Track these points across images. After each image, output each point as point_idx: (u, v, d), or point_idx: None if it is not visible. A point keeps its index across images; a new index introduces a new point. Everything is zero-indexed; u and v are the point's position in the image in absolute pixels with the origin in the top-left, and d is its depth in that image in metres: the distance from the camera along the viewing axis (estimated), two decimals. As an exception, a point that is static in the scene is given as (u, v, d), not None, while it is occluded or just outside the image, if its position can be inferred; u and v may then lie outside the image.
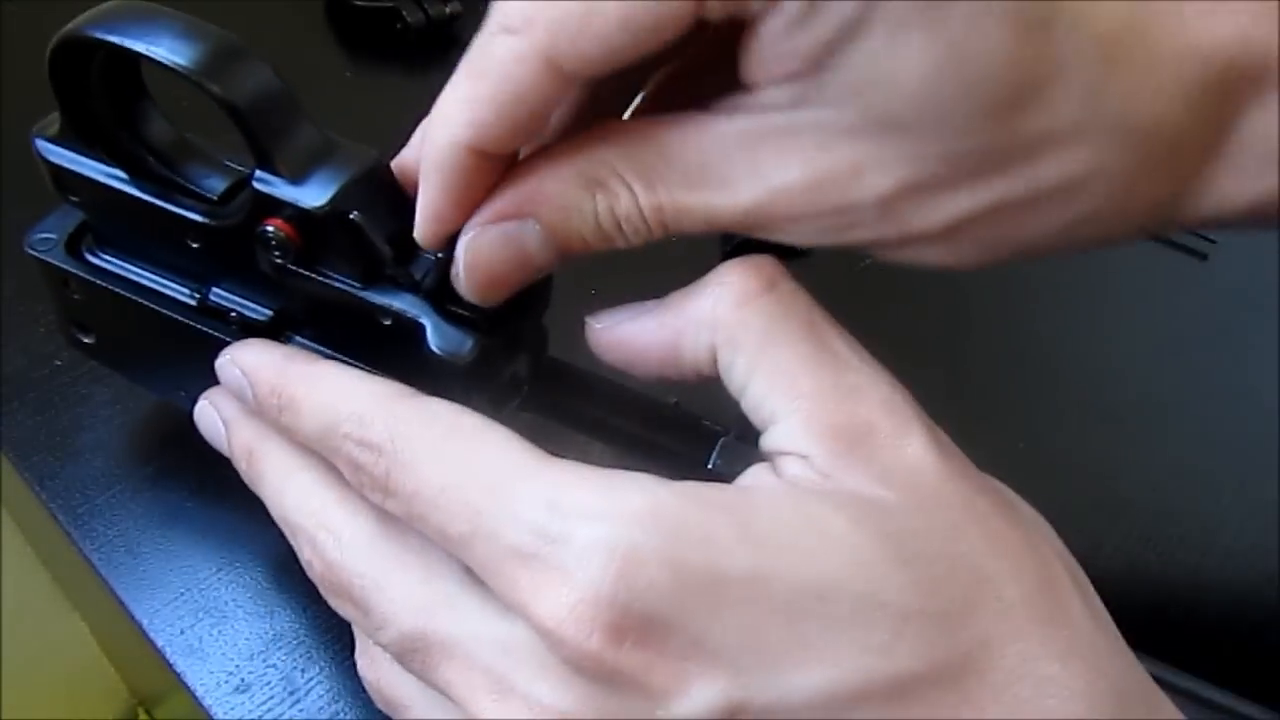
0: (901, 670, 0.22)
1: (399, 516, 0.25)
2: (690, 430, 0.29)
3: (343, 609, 0.27)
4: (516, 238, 0.26)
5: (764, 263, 0.26)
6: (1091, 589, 0.25)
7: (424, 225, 0.27)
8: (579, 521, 0.22)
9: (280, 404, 0.27)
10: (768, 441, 0.25)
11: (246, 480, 0.30)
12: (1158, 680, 0.26)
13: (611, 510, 0.22)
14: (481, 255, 0.26)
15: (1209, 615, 0.37)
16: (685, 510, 0.22)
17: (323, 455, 0.27)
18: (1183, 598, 0.38)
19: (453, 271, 0.27)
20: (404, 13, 0.54)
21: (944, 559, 0.23)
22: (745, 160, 0.26)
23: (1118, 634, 0.24)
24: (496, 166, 0.26)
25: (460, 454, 0.24)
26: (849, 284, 0.33)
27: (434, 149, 0.26)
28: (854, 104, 0.24)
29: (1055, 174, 0.26)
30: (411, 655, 0.25)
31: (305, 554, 0.27)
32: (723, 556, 0.22)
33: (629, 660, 0.21)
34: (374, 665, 0.28)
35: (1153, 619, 0.37)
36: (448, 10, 0.55)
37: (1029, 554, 0.24)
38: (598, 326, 0.28)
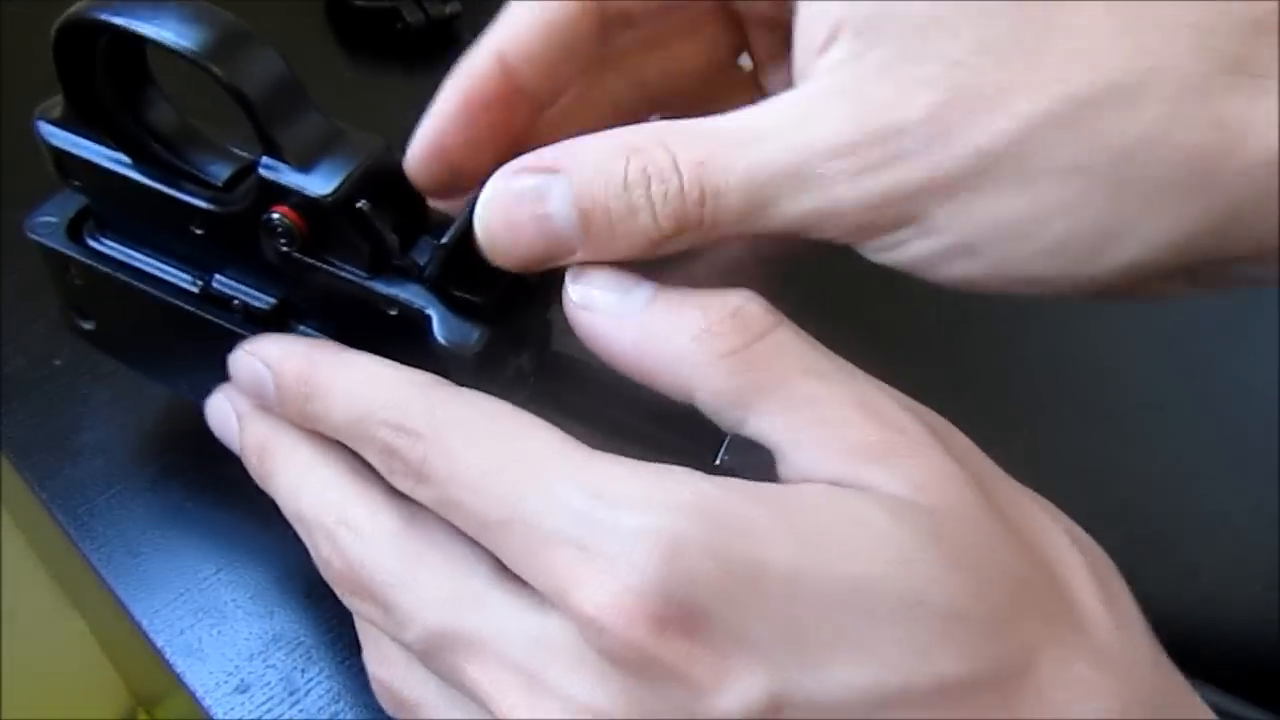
0: (945, 673, 0.21)
1: (430, 505, 0.25)
2: (697, 426, 0.29)
3: (361, 608, 0.26)
4: (540, 191, 0.26)
5: (746, 309, 0.25)
6: (1127, 593, 0.25)
7: (421, 133, 0.27)
8: (623, 510, 0.22)
9: (308, 392, 0.27)
10: (788, 470, 0.24)
11: (257, 477, 0.29)
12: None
13: (656, 500, 0.22)
14: (501, 204, 0.26)
15: (1209, 617, 0.37)
16: (729, 502, 0.22)
17: (350, 443, 0.26)
18: (1182, 599, 0.38)
19: (475, 222, 0.26)
20: (404, 13, 0.54)
21: (987, 564, 0.22)
22: (792, 115, 0.25)
23: (1153, 639, 0.24)
24: (515, 102, 0.27)
25: (501, 440, 0.24)
26: (849, 284, 0.33)
27: (464, 61, 0.26)
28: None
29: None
30: (437, 654, 0.24)
31: (323, 551, 0.26)
32: (766, 549, 0.21)
33: (670, 651, 0.21)
34: (387, 665, 0.27)
35: (1152, 619, 0.37)
36: (448, 10, 0.55)
37: (1068, 560, 0.24)
38: (574, 299, 0.26)
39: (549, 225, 0.26)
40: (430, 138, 0.28)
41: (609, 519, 0.22)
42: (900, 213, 0.24)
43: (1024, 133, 0.23)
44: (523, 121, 0.29)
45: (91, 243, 0.32)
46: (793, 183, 0.24)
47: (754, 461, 0.25)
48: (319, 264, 0.28)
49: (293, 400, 0.27)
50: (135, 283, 0.31)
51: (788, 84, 0.26)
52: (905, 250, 0.25)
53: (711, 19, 0.31)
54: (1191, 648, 0.33)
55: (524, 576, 0.23)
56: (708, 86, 0.32)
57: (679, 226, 0.25)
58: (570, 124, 0.29)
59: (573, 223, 0.25)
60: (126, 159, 0.29)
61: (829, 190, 0.24)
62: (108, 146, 0.29)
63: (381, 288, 0.28)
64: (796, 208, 0.25)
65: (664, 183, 0.25)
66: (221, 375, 0.33)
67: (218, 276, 0.30)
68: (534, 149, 0.26)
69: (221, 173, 0.29)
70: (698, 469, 0.26)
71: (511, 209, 0.26)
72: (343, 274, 0.28)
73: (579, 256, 0.26)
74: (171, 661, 0.33)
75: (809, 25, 0.26)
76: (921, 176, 0.24)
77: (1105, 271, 0.24)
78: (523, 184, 0.26)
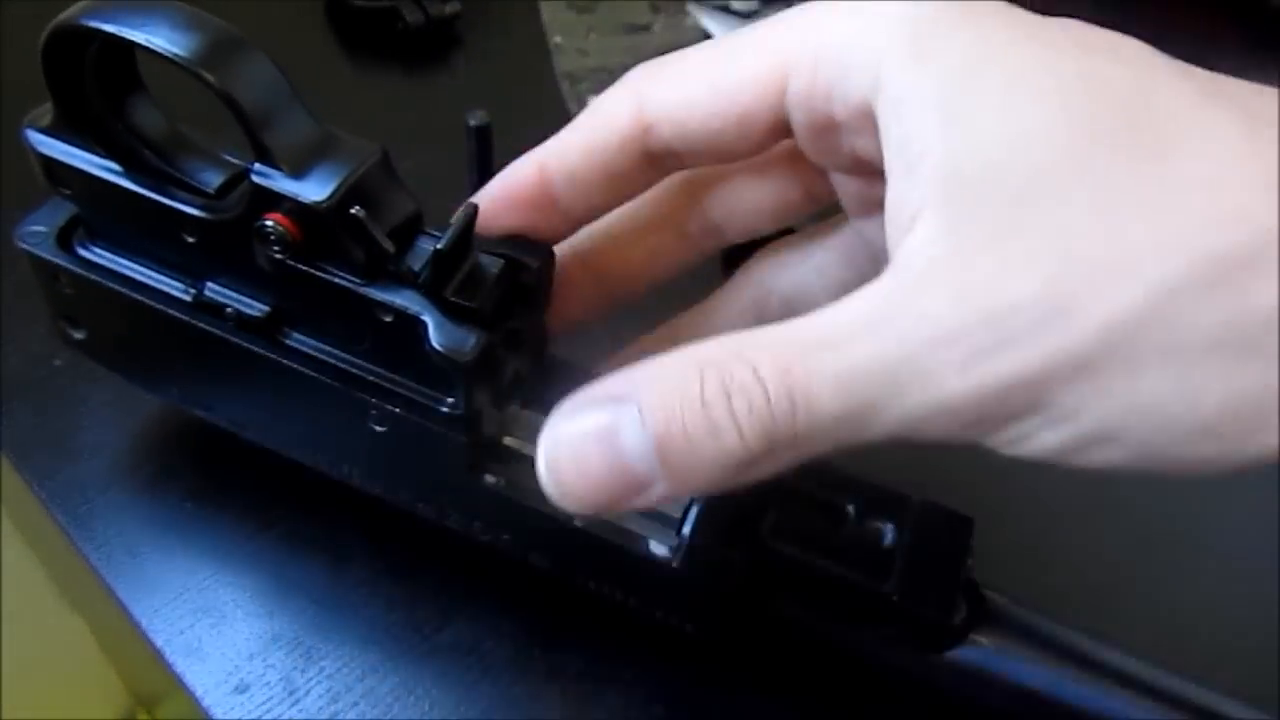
0: None
1: None
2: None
3: None
4: (610, 424, 0.23)
5: None
6: None
7: (466, 204, 0.27)
8: None
9: None
10: None
11: None
12: (1159, 686, 0.25)
13: None
14: (569, 447, 0.24)
15: (1208, 616, 0.37)
16: None
17: None
18: (1181, 599, 0.38)
19: (540, 468, 0.24)
20: (404, 13, 0.54)
21: None
22: (884, 309, 0.22)
23: None
24: (549, 211, 0.27)
25: None
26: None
27: (513, 162, 0.27)
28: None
29: None
30: None
31: None
32: None
33: None
34: None
35: (1152, 620, 0.36)
36: (447, 10, 0.54)
37: None
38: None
39: (623, 462, 0.23)
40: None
41: None
42: (1022, 403, 0.21)
43: (1158, 302, 0.20)
44: (556, 227, 0.29)
45: (82, 252, 0.32)
46: (894, 381, 0.22)
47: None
48: (313, 271, 0.28)
49: None
50: (127, 291, 0.31)
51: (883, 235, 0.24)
52: (1032, 442, 0.22)
53: (780, 163, 0.30)
54: (1192, 648, 0.33)
55: None
56: (781, 226, 0.31)
57: (769, 444, 0.22)
58: (638, 246, 0.31)
59: (649, 453, 0.23)
60: (117, 167, 0.29)
61: (936, 386, 0.21)
62: (98, 154, 0.29)
63: (377, 294, 0.28)
64: (901, 409, 0.22)
65: (746, 396, 0.22)
66: (216, 383, 0.33)
67: (210, 284, 0.30)
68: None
69: (213, 180, 0.29)
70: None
71: (579, 450, 0.23)
72: (337, 281, 0.28)
73: (660, 490, 0.23)
74: (171, 661, 0.33)
75: (896, 198, 0.23)
76: (1041, 361, 0.21)
77: (1270, 449, 0.21)
78: (589, 419, 0.23)
